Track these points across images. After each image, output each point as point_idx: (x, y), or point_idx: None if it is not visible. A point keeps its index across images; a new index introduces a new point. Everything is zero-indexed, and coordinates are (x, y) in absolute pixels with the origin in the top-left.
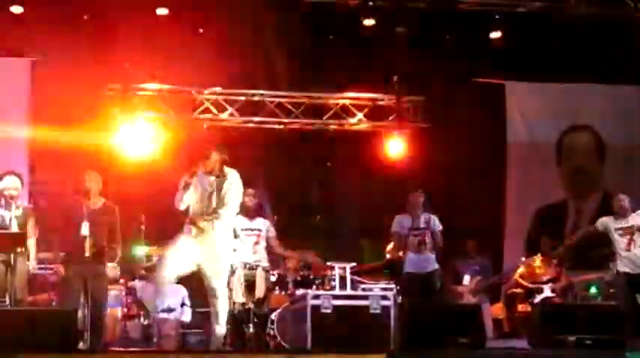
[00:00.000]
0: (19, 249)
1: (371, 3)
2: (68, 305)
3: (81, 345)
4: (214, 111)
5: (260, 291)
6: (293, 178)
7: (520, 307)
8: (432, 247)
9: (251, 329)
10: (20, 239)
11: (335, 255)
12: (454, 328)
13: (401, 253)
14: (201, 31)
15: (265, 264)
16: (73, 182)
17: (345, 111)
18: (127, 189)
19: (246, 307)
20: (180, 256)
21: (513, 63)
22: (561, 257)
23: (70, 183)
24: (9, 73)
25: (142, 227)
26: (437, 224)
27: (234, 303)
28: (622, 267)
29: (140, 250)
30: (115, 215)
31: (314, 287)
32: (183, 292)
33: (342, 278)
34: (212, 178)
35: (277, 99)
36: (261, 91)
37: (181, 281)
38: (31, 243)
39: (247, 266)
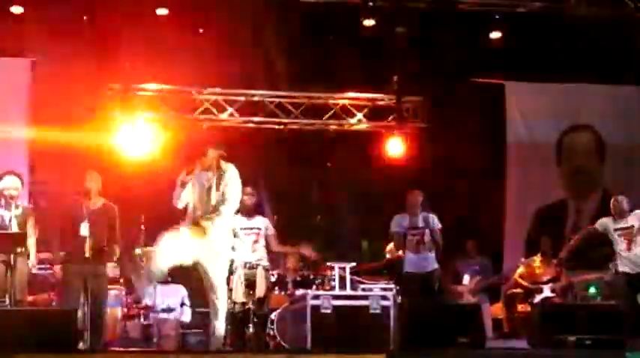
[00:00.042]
0: (19, 249)
1: (371, 3)
2: (68, 305)
3: (81, 345)
4: (214, 111)
5: (260, 291)
6: (293, 178)
7: (520, 307)
8: (430, 246)
9: (251, 330)
10: (20, 239)
11: (335, 255)
12: (454, 328)
13: (400, 253)
14: (201, 31)
15: (265, 263)
16: (73, 182)
17: (345, 112)
18: (126, 189)
19: (247, 307)
20: (178, 245)
21: (513, 63)
22: (562, 258)
23: (70, 183)
24: (9, 73)
25: (142, 227)
26: (436, 222)
27: (234, 303)
28: (622, 267)
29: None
30: (115, 215)
31: (314, 287)
32: (183, 292)
33: (342, 279)
34: (210, 174)
35: (277, 100)
36: (261, 92)
37: (181, 281)
38: (31, 242)
39: (247, 265)
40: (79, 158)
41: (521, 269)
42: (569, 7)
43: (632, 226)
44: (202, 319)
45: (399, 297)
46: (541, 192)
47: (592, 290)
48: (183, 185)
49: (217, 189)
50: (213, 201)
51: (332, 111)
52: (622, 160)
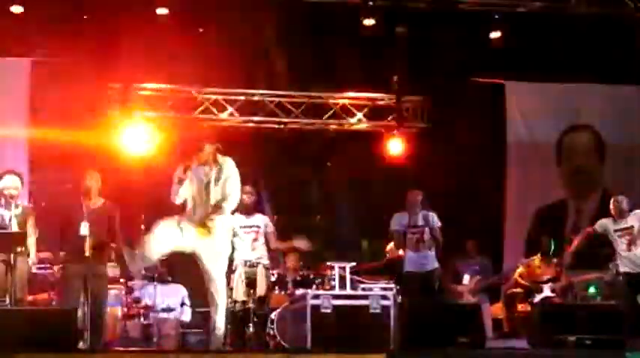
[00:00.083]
0: (19, 249)
1: (371, 3)
2: (68, 304)
3: (81, 345)
4: (214, 110)
5: (261, 289)
6: (293, 178)
7: (520, 307)
8: (430, 245)
9: (251, 329)
10: (20, 238)
11: (335, 255)
12: (454, 328)
13: (401, 252)
14: (201, 30)
15: (266, 261)
16: (74, 181)
17: (345, 111)
18: (126, 188)
19: (247, 306)
20: (175, 233)
21: (513, 63)
22: (567, 264)
23: (70, 183)
24: (9, 73)
25: (142, 226)
26: (435, 220)
27: (235, 302)
28: (622, 267)
29: None
30: (115, 214)
31: (314, 286)
32: (183, 292)
33: (342, 278)
34: (207, 168)
35: (277, 99)
36: (261, 91)
37: (181, 281)
38: (31, 242)
39: (248, 263)
40: (79, 157)
41: (521, 269)
42: (569, 7)
43: (632, 226)
44: (202, 319)
45: (399, 297)
46: (541, 192)
47: (592, 290)
48: (181, 181)
49: (216, 184)
50: (213, 196)
51: (332, 111)
52: (622, 160)
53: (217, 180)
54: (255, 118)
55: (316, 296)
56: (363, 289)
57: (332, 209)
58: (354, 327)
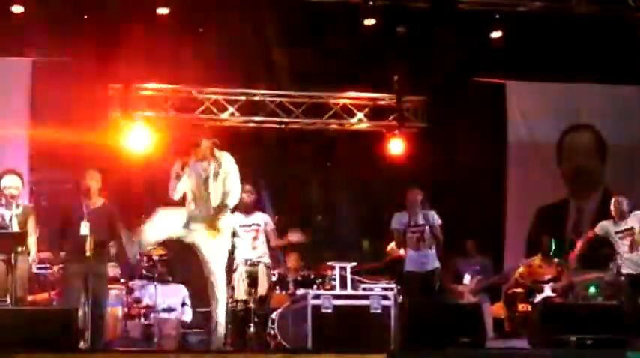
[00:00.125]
0: (19, 248)
1: (371, 3)
2: (69, 304)
3: (81, 344)
4: (215, 110)
5: (262, 288)
6: (293, 178)
7: (520, 306)
8: (431, 243)
9: (252, 329)
10: (21, 238)
11: (335, 254)
12: (454, 328)
13: (401, 252)
14: (201, 30)
15: (267, 260)
16: (74, 181)
17: (345, 111)
18: (127, 188)
19: (248, 305)
20: (174, 221)
21: (513, 63)
22: (565, 262)
23: (70, 183)
24: (10, 72)
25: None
26: (436, 219)
27: (236, 301)
28: (625, 268)
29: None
30: (115, 214)
31: (315, 286)
32: (183, 292)
33: (343, 278)
34: (205, 163)
35: (277, 99)
36: (261, 91)
37: (182, 281)
38: (32, 241)
39: (249, 262)
40: (80, 157)
41: (521, 269)
42: (569, 7)
43: (633, 228)
44: (203, 319)
45: (400, 297)
46: (541, 191)
47: (592, 289)
48: (178, 177)
49: (215, 179)
50: (212, 191)
51: (332, 111)
52: (622, 160)
53: (216, 175)
54: (256, 118)
55: (317, 296)
56: (364, 289)
57: (332, 209)
58: (355, 327)
